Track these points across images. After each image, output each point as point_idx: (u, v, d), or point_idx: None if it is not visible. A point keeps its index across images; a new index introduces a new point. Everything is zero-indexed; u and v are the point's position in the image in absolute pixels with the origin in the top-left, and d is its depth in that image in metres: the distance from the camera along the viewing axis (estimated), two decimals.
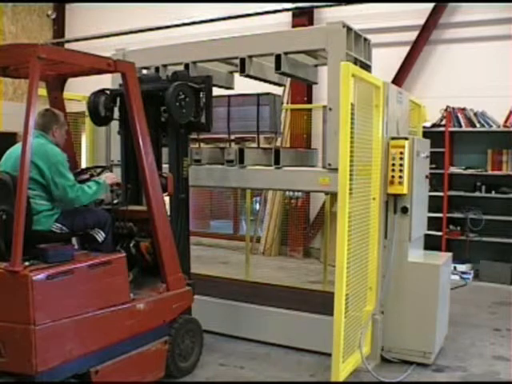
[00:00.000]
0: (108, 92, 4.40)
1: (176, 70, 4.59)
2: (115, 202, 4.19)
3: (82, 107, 5.68)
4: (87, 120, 5.31)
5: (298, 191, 8.43)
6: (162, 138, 4.40)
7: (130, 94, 3.82)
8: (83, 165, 6.04)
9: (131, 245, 4.18)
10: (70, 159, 3.92)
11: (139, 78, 4.16)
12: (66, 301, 3.28)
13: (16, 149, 3.73)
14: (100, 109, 4.30)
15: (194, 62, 5.04)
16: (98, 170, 4.23)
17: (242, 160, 4.84)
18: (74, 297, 3.33)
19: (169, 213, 4.19)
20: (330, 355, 3.86)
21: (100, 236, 3.97)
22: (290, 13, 8.75)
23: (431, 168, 5.54)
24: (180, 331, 4.11)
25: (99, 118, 4.37)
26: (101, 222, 3.99)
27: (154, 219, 3.91)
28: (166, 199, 4.18)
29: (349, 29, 4.35)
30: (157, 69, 5.27)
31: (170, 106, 4.09)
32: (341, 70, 3.76)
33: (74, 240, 4.09)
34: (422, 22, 7.96)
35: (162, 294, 3.96)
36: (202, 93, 4.36)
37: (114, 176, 4.13)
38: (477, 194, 7.47)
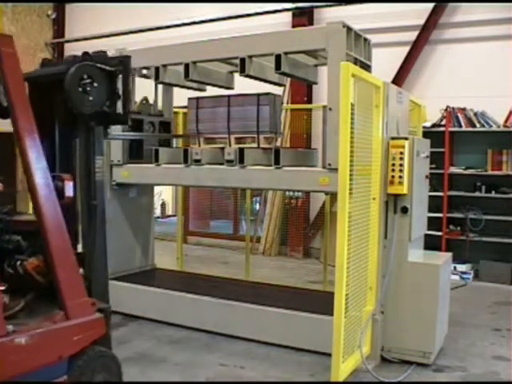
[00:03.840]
0: None
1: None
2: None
3: None
4: None
5: (298, 191, 8.43)
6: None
7: (7, 76, 3.05)
8: None
9: (18, 263, 3.42)
10: None
11: (49, 61, 3.64)
12: None
13: None
14: (1, 99, 3.54)
15: (194, 62, 5.05)
16: None
17: (242, 160, 4.85)
18: None
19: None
20: (330, 355, 3.86)
21: None
22: (289, 13, 8.76)
23: (431, 168, 5.53)
24: (86, 368, 3.29)
25: (1, 109, 3.59)
26: None
27: (46, 231, 3.17)
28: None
29: (349, 29, 4.36)
30: (157, 69, 5.28)
31: (69, 92, 3.33)
32: (341, 70, 3.77)
33: None
34: (421, 21, 7.95)
35: (57, 323, 3.18)
36: (118, 77, 3.58)
37: None
38: (477, 193, 7.47)
